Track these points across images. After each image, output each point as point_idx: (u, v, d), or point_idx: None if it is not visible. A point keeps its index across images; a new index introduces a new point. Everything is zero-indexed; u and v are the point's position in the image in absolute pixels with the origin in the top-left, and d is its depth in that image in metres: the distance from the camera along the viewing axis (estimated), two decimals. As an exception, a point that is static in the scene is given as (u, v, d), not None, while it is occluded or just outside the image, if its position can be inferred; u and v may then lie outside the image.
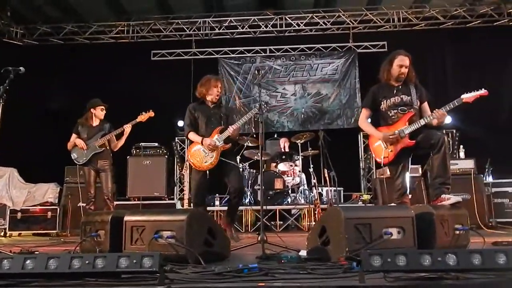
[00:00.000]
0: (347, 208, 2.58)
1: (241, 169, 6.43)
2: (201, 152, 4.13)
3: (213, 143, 4.05)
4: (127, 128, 5.13)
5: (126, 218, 2.81)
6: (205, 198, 4.48)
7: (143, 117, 5.20)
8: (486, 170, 5.98)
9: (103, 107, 5.24)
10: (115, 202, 6.25)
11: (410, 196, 3.76)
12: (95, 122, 5.23)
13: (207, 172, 4.12)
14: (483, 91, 3.44)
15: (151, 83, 8.72)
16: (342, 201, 7.10)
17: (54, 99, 8.34)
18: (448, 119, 6.61)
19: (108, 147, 5.20)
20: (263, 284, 1.91)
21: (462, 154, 6.21)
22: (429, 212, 2.69)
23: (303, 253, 2.91)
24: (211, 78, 4.32)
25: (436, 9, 8.71)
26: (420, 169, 6.09)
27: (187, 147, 7.79)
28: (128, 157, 6.65)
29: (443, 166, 3.27)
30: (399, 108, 3.59)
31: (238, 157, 6.24)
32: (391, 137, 3.50)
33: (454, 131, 7.27)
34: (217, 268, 2.22)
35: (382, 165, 3.63)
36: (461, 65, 8.58)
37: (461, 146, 6.28)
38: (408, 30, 8.92)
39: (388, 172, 5.29)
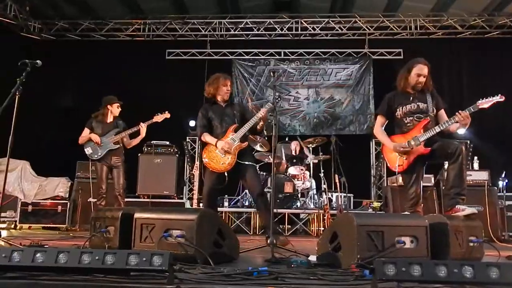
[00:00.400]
0: (359, 215, 2.54)
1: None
2: (217, 153, 3.97)
3: (227, 147, 3.89)
4: (143, 128, 5.13)
5: (136, 215, 2.80)
6: (217, 200, 4.35)
7: (159, 117, 5.20)
8: (500, 182, 5.85)
9: (119, 104, 5.27)
10: (125, 199, 6.29)
11: (422, 205, 3.69)
12: (110, 119, 5.26)
13: (226, 174, 3.93)
14: (499, 97, 3.36)
15: (164, 82, 8.78)
16: (352, 207, 7.03)
17: (69, 94, 8.43)
18: (462, 130, 6.54)
19: (121, 144, 5.23)
20: (272, 287, 1.88)
21: (476, 166, 6.11)
22: (443, 222, 2.64)
23: (312, 258, 2.88)
24: (219, 77, 4.19)
25: (454, 18, 8.61)
26: (432, 179, 6.00)
27: (198, 147, 7.84)
28: (139, 154, 6.67)
29: (459, 177, 3.20)
30: (415, 116, 3.54)
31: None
32: (401, 148, 3.45)
33: (468, 142, 7.17)
34: (226, 269, 2.20)
35: (396, 173, 3.57)
36: (477, 75, 8.47)
37: (475, 158, 6.18)
38: (424, 38, 8.84)
39: (400, 180, 5.24)
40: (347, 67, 8.95)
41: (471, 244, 2.74)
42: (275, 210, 6.11)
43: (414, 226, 2.55)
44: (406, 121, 3.57)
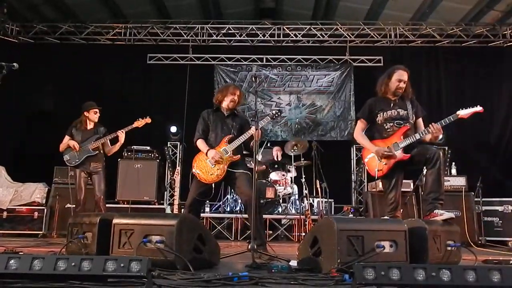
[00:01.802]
0: (340, 220, 2.55)
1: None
2: (207, 163, 3.81)
3: (217, 157, 3.75)
4: (121, 134, 5.06)
5: (115, 220, 2.75)
6: (200, 209, 4.15)
7: (139, 123, 5.14)
8: (477, 188, 5.99)
9: (96, 110, 5.17)
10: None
11: (401, 210, 3.74)
12: (90, 125, 5.17)
13: (212, 186, 3.81)
14: (478, 108, 3.47)
15: (146, 86, 8.71)
16: (332, 213, 7.08)
17: (48, 98, 8.26)
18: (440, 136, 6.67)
19: (101, 151, 5.14)
20: (253, 293, 1.87)
21: (454, 171, 6.24)
22: (422, 227, 2.67)
23: (293, 263, 2.87)
24: (230, 86, 4.14)
25: (433, 27, 8.81)
26: (412, 184, 6.09)
27: (179, 152, 7.78)
28: (119, 159, 6.56)
29: (437, 182, 3.26)
30: (395, 122, 3.59)
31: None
32: (385, 152, 3.49)
33: (446, 148, 7.32)
34: (206, 275, 2.18)
35: (375, 178, 3.62)
36: (455, 83, 8.69)
37: (453, 163, 6.31)
38: (404, 46, 9.00)
39: (380, 186, 5.29)
40: (328, 73, 9.04)
41: (449, 248, 2.78)
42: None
43: (394, 230, 2.58)
44: (386, 127, 3.61)
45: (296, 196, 6.74)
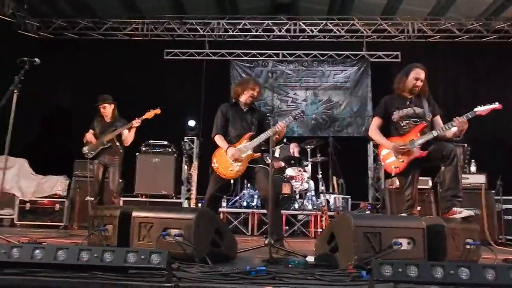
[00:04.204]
0: (357, 216, 2.55)
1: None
2: (227, 158, 3.77)
3: (237, 154, 3.70)
4: (136, 123, 5.10)
5: (135, 214, 2.81)
6: (218, 204, 4.14)
7: (149, 114, 5.16)
8: (498, 186, 5.88)
9: (104, 105, 5.21)
10: (123, 198, 6.30)
11: (419, 208, 3.71)
12: (108, 119, 5.25)
13: (231, 182, 3.83)
14: (497, 105, 3.42)
15: (163, 81, 8.78)
16: (349, 209, 7.05)
17: (67, 92, 8.41)
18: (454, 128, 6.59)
19: (117, 143, 5.20)
20: (270, 287, 1.89)
21: (473, 169, 6.13)
22: (440, 225, 2.66)
23: (310, 259, 2.89)
24: (250, 80, 4.09)
25: (452, 22, 8.65)
26: (430, 182, 6.02)
27: (196, 147, 7.83)
28: (137, 154, 6.66)
29: (454, 179, 3.23)
30: (411, 119, 3.58)
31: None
32: (402, 148, 3.47)
33: (466, 145, 7.20)
34: (224, 268, 2.21)
35: (392, 175, 3.60)
36: (474, 79, 8.53)
37: (473, 161, 6.20)
38: (422, 42, 8.87)
39: (398, 183, 5.26)
40: (345, 69, 8.97)
41: (468, 246, 2.76)
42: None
43: (412, 228, 2.57)
44: (402, 124, 3.60)
45: (313, 192, 6.73)
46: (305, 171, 6.72)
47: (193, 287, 1.90)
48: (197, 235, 2.56)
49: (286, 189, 6.33)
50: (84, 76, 8.49)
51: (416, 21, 8.76)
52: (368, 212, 6.39)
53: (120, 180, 5.30)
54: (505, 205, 5.87)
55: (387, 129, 3.73)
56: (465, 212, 3.03)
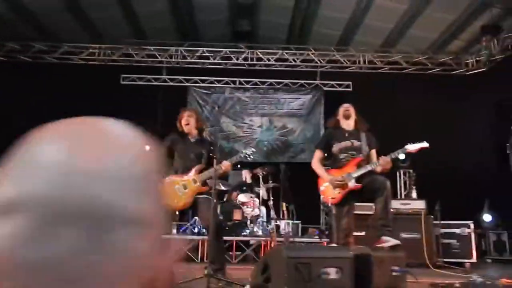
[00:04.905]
0: (290, 247, 2.68)
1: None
2: (175, 189, 3.74)
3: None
4: None
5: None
6: None
7: None
8: (436, 211, 6.24)
9: None
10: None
11: (363, 233, 3.90)
12: None
13: (176, 213, 3.86)
14: (425, 144, 3.76)
15: (119, 107, 8.70)
16: (300, 234, 7.20)
17: (21, 117, 8.17)
18: (401, 156, 6.97)
19: None
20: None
21: (414, 195, 6.48)
22: (367, 254, 2.82)
23: (248, 288, 2.98)
24: (180, 110, 4.10)
25: (400, 54, 9.20)
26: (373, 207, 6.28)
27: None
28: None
29: (384, 209, 3.47)
30: (349, 152, 3.82)
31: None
32: (338, 181, 3.69)
33: (411, 171, 7.60)
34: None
35: (329, 205, 3.80)
36: (421, 109, 9.01)
37: (414, 187, 6.56)
38: (373, 72, 9.34)
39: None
40: (299, 97, 9.30)
41: (394, 273, 2.94)
42: (224, 238, 6.20)
43: (340, 257, 2.72)
44: (341, 157, 3.84)
45: (264, 218, 6.85)
46: (256, 197, 6.84)
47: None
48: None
49: (237, 215, 6.41)
50: (37, 101, 8.30)
51: (367, 53, 9.25)
52: (316, 237, 6.55)
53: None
54: (442, 229, 6.22)
55: (328, 161, 3.96)
56: (392, 241, 3.24)
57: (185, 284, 3.28)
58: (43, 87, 8.42)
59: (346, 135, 3.92)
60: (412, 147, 3.75)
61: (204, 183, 3.84)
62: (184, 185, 3.79)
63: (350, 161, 3.79)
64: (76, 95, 8.40)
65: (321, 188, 3.89)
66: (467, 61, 9.30)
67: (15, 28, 8.37)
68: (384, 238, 3.33)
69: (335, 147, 3.89)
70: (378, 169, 3.70)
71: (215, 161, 3.68)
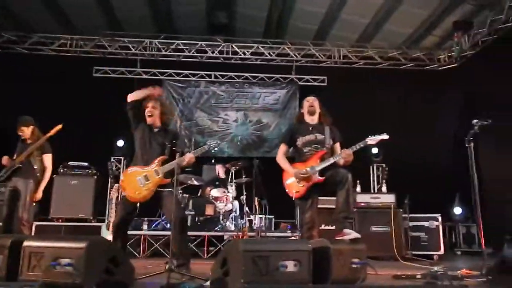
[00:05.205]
0: (246, 241, 2.67)
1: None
2: (135, 180, 3.67)
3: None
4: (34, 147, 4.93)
5: (25, 243, 2.74)
6: (128, 229, 4.00)
7: (52, 131, 5.02)
8: (405, 204, 6.34)
9: (22, 128, 5.00)
10: (37, 223, 6.02)
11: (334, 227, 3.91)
12: (30, 140, 5.05)
13: (137, 205, 3.75)
14: (385, 136, 3.79)
15: (91, 99, 8.56)
16: (273, 228, 7.22)
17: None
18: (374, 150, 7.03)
19: (35, 166, 4.98)
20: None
21: (384, 189, 6.57)
22: (326, 246, 2.85)
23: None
24: (145, 99, 3.89)
25: (375, 49, 9.27)
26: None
27: (123, 167, 7.68)
28: (54, 175, 6.38)
29: (346, 202, 3.50)
30: (312, 146, 3.84)
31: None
32: (302, 175, 3.70)
33: (384, 165, 7.70)
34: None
35: (293, 199, 3.81)
36: (394, 104, 9.11)
37: (384, 181, 6.65)
38: (347, 67, 9.39)
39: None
40: (275, 91, 9.30)
41: (354, 266, 2.96)
42: (195, 233, 6.16)
43: (298, 250, 2.72)
44: (305, 151, 3.86)
45: (237, 213, 6.84)
46: (229, 192, 6.82)
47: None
48: (88, 264, 2.55)
49: (209, 211, 6.39)
50: (6, 93, 8.07)
51: (343, 47, 9.28)
52: (288, 231, 6.58)
53: (34, 204, 5.08)
54: (411, 222, 6.33)
55: (293, 155, 3.97)
56: (354, 234, 3.27)
57: (146, 279, 3.25)
58: (11, 79, 8.19)
59: (310, 128, 3.93)
60: (372, 139, 3.79)
61: (166, 175, 3.73)
62: (145, 177, 3.71)
63: (314, 154, 3.80)
64: (48, 87, 8.20)
65: (286, 182, 3.90)
66: (440, 57, 9.44)
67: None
68: (346, 230, 3.36)
69: (299, 141, 3.91)
70: (341, 162, 3.72)
71: (177, 153, 3.62)
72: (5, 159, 4.93)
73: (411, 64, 9.48)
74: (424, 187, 7.18)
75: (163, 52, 9.10)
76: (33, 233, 5.64)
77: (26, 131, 5.02)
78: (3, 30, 8.50)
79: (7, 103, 7.84)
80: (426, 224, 6.32)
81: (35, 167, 4.99)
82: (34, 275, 2.62)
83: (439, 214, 6.38)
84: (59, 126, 5.01)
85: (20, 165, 4.88)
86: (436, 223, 6.29)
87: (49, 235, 4.08)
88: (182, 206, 6.03)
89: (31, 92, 8.03)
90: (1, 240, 2.96)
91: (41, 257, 2.65)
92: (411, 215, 6.32)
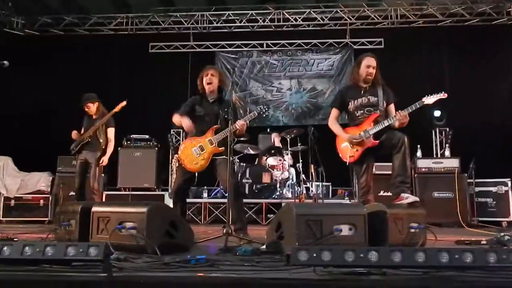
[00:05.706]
0: (300, 205, 2.68)
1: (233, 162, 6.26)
2: (191, 151, 3.81)
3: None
4: (102, 122, 5.21)
5: (94, 209, 2.95)
6: (186, 195, 4.21)
7: (116, 108, 5.27)
8: (470, 169, 6.00)
9: (88, 104, 5.30)
10: (106, 192, 6.47)
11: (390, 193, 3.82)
12: (95, 116, 5.37)
13: (195, 175, 3.90)
14: (442, 94, 3.56)
15: (148, 75, 8.86)
16: (330, 196, 7.19)
17: (52, 89, 8.50)
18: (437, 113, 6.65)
19: (100, 139, 5.30)
20: (202, 274, 2.03)
21: (447, 153, 6.24)
22: (382, 211, 2.78)
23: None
24: (205, 67, 4.01)
25: (436, 6, 8.64)
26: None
27: (182, 139, 7.95)
28: (119, 148, 6.77)
29: (402, 166, 3.36)
30: (365, 109, 3.70)
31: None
32: (355, 139, 3.60)
33: (447, 129, 7.29)
34: (167, 258, 2.35)
35: (347, 164, 3.73)
36: (458, 63, 8.53)
37: (447, 145, 6.31)
38: (405, 28, 8.87)
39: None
40: (329, 57, 9.04)
41: (412, 230, 2.88)
42: (252, 200, 6.29)
43: (353, 215, 2.69)
44: (357, 114, 3.73)
45: (294, 180, 6.86)
46: (285, 160, 6.84)
47: (130, 277, 2.03)
48: (150, 228, 2.70)
49: (266, 179, 6.47)
50: (70, 72, 8.56)
51: (400, 6, 8.75)
52: (346, 198, 6.51)
53: (103, 175, 5.45)
54: (477, 188, 6.00)
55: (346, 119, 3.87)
56: (411, 198, 3.16)
57: (205, 242, 3.39)
58: (75, 59, 8.66)
59: (362, 91, 3.77)
60: (429, 98, 3.58)
61: (220, 144, 3.80)
62: (200, 147, 3.84)
63: (367, 117, 3.67)
64: (107, 66, 8.60)
65: (339, 147, 3.82)
66: (509, 10, 8.58)
67: (46, 3, 8.57)
68: (403, 195, 3.26)
69: (351, 105, 3.77)
70: (396, 124, 3.56)
71: (230, 121, 3.66)
72: (74, 134, 5.28)
73: (476, 20, 8.73)
74: (491, 151, 6.73)
75: (215, 24, 9.12)
76: (103, 202, 6.08)
77: (92, 107, 5.34)
78: (64, 13, 8.93)
79: (69, 82, 8.33)
80: (494, 189, 5.96)
81: (100, 140, 5.31)
82: (102, 238, 2.83)
83: (509, 179, 5.96)
84: (124, 103, 5.27)
85: (89, 139, 5.22)
86: (505, 188, 5.91)
87: (115, 201, 4.36)
88: (235, 172, 6.14)
89: (94, 70, 8.44)
90: (73, 206, 3.22)
91: (108, 221, 2.86)
92: (477, 180, 5.98)
